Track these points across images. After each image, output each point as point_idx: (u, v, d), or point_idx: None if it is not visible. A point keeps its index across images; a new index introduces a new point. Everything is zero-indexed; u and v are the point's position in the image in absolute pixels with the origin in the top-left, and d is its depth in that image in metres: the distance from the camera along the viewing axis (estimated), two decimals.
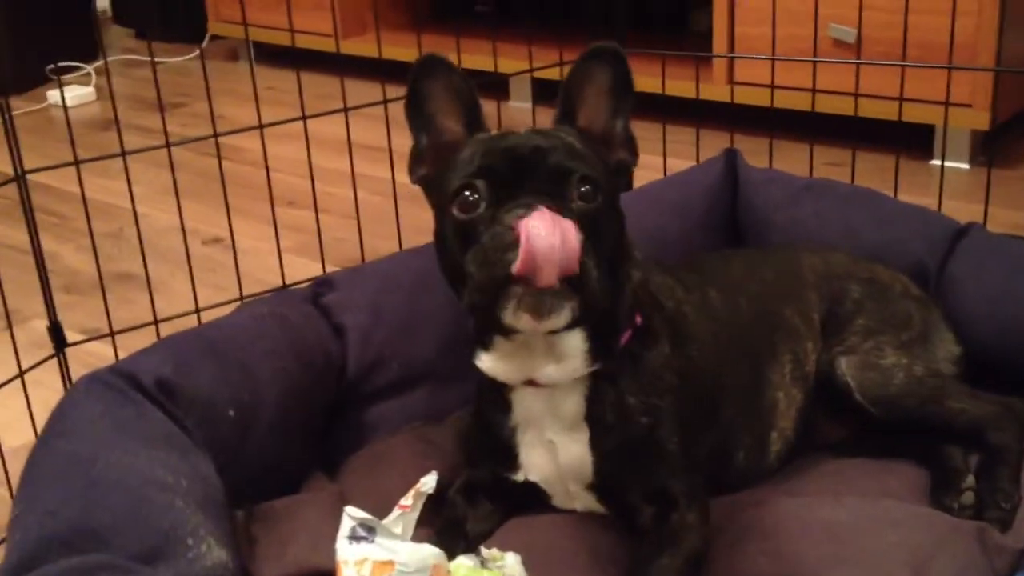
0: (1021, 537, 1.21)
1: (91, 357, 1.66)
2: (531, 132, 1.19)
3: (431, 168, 1.26)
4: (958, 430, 1.37)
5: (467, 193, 1.13)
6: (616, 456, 1.23)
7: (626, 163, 1.26)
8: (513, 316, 1.09)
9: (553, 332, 1.15)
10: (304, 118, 1.67)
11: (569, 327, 1.14)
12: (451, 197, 1.14)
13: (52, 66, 3.65)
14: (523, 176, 1.12)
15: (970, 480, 1.31)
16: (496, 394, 1.26)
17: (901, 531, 1.19)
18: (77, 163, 1.45)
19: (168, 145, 1.50)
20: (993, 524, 1.23)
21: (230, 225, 1.69)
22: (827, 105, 2.11)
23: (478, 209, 1.13)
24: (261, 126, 1.64)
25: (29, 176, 1.46)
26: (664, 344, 1.27)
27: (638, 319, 1.25)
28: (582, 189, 1.13)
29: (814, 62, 1.92)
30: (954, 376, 1.44)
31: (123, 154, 1.45)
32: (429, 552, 1.00)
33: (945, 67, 1.88)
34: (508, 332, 1.17)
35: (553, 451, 1.25)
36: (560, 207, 1.09)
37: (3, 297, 1.43)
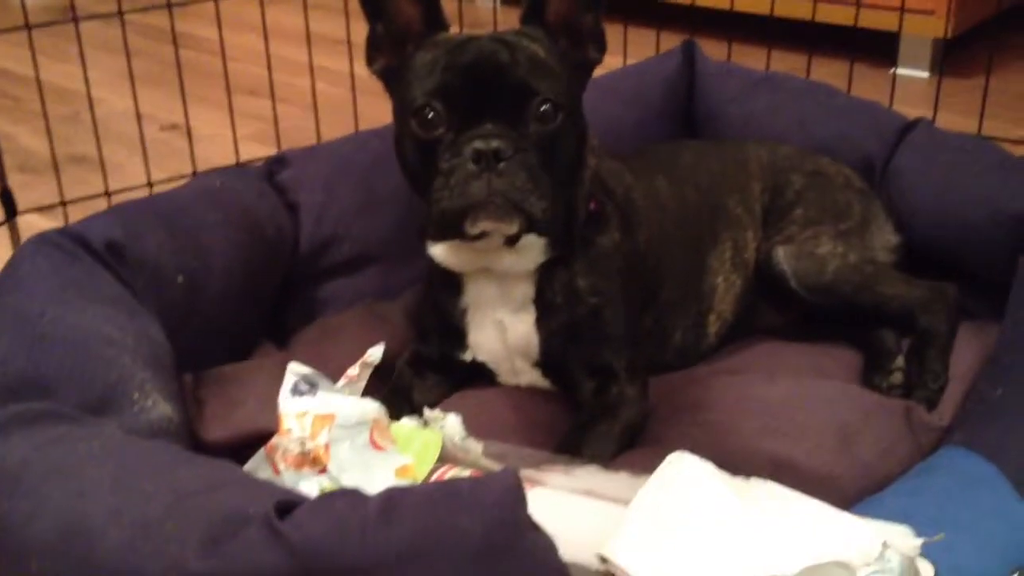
0: (946, 416, 1.25)
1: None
2: (493, 39, 1.16)
3: (389, 57, 1.24)
4: (891, 314, 1.40)
5: (426, 112, 1.13)
6: (562, 334, 1.26)
7: (592, 60, 1.25)
8: (473, 226, 1.12)
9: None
10: (262, 3, 1.65)
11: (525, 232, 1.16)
12: (411, 112, 1.14)
13: None
14: (483, 98, 1.12)
15: (900, 361, 1.35)
16: (447, 277, 1.28)
17: (831, 407, 1.23)
18: (28, 27, 1.42)
19: (121, 13, 1.48)
20: (920, 403, 1.27)
21: (185, 109, 1.67)
22: (786, 9, 2.11)
23: (437, 130, 1.13)
24: None
25: None
26: (614, 230, 1.29)
27: (592, 205, 1.26)
28: (542, 109, 1.13)
29: None
30: (891, 264, 1.47)
31: (75, 20, 1.42)
32: (370, 407, 1.01)
33: None
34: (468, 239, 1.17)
35: (502, 330, 1.27)
36: (518, 134, 1.11)
37: None
